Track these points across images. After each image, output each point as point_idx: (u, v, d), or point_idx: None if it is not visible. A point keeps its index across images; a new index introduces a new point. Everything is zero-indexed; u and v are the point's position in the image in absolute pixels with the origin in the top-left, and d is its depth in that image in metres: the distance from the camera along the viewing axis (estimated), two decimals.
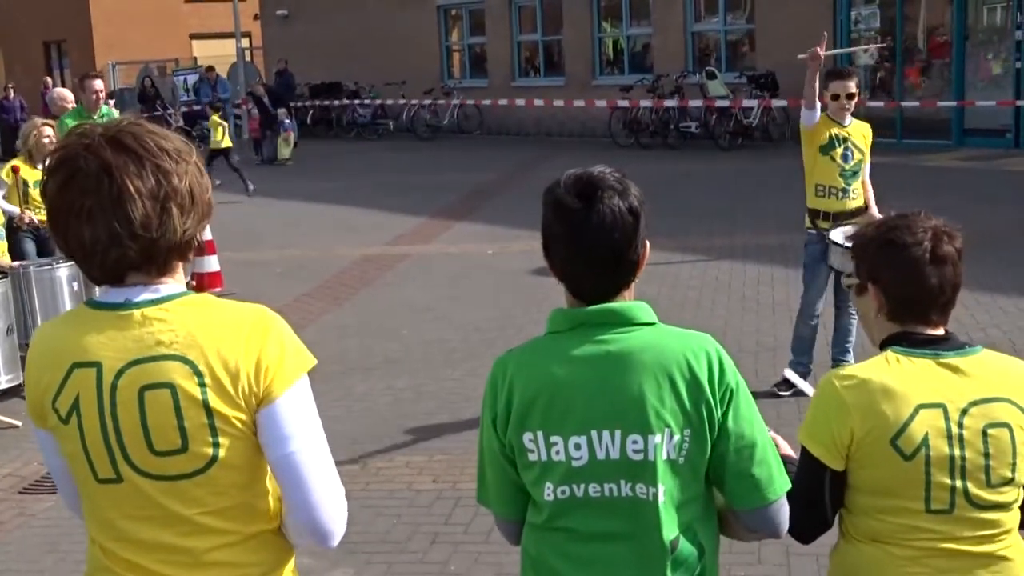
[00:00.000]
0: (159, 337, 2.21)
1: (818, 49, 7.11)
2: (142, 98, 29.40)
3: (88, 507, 2.34)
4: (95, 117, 10.12)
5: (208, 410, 2.19)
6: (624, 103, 22.85)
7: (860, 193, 7.34)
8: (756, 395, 7.74)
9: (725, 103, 21.60)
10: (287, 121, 24.54)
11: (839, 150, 7.26)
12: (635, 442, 2.40)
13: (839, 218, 7.22)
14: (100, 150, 2.18)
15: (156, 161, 2.20)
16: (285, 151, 23.83)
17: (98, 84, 10.22)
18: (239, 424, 2.21)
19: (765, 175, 14.40)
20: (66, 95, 10.69)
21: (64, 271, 8.40)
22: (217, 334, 2.21)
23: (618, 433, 2.40)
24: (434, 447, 6.80)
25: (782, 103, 21.08)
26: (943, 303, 2.68)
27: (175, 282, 2.29)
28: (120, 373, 2.20)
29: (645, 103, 22.66)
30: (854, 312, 7.23)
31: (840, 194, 7.29)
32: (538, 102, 24.35)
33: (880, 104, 20.04)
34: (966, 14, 20.31)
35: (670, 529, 2.43)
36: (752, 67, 22.84)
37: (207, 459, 2.21)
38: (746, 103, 21.44)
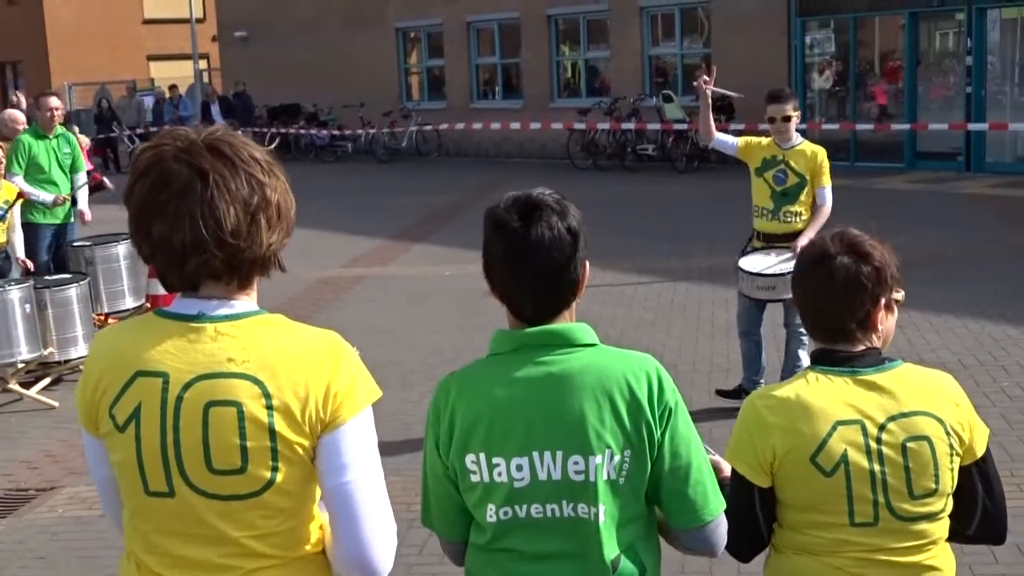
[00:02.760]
0: (230, 354, 2.17)
1: (703, 81, 7.57)
2: (98, 119, 29.18)
3: (130, 519, 2.29)
4: (50, 137, 10.06)
5: (273, 434, 2.15)
6: (581, 125, 22.95)
7: (802, 216, 7.32)
8: (710, 415, 7.78)
9: (683, 126, 21.74)
10: None
11: (771, 172, 7.35)
12: (576, 463, 2.42)
13: (771, 239, 7.38)
14: (196, 155, 2.16)
15: (250, 171, 2.19)
16: None
17: (53, 102, 10.15)
18: (300, 450, 2.18)
19: (721, 197, 14.52)
20: (18, 116, 10.63)
21: (16, 293, 8.30)
22: (289, 357, 2.18)
23: (559, 454, 2.42)
24: (388, 468, 6.71)
25: (739, 127, 21.25)
26: (822, 322, 2.73)
27: (249, 299, 2.27)
28: (187, 386, 2.16)
29: (603, 126, 22.77)
30: (804, 337, 7.32)
31: (769, 215, 7.39)
32: (495, 125, 24.40)
33: (835, 127, 20.28)
34: (918, 39, 20.62)
35: (611, 548, 2.45)
36: None
37: (264, 482, 2.18)
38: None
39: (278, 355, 2.18)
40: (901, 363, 2.74)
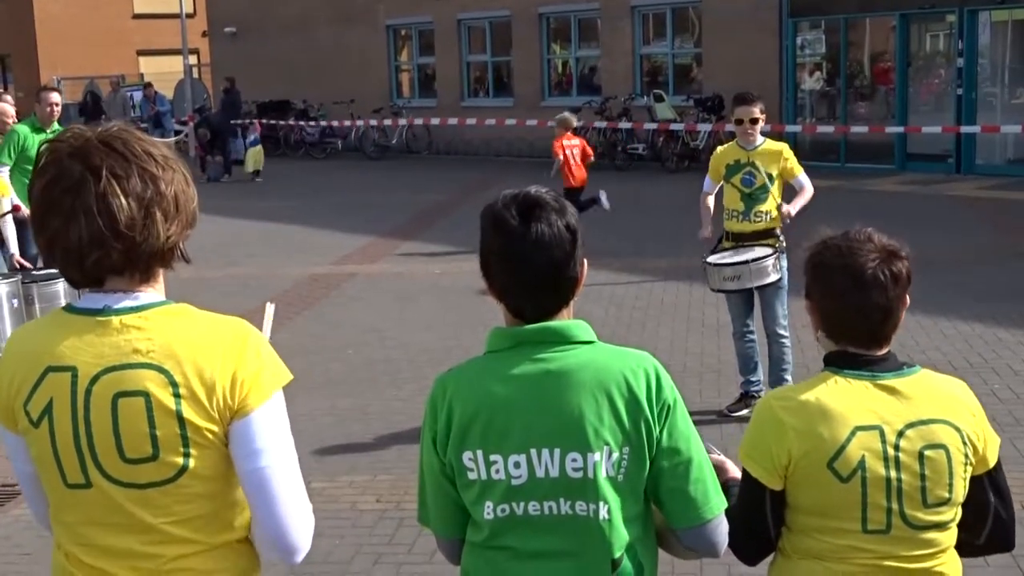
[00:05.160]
0: (136, 345, 2.21)
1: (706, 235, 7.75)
2: (82, 111, 29.08)
3: (55, 512, 2.33)
4: (47, 131, 10.04)
5: (181, 420, 2.20)
6: (580, 122, 22.88)
7: (771, 214, 7.35)
8: (701, 415, 7.75)
9: (679, 126, 21.74)
10: (249, 138, 24.58)
11: (738, 176, 7.40)
12: (574, 460, 2.40)
13: (741, 238, 7.42)
14: (88, 151, 2.20)
15: (143, 165, 2.22)
16: (252, 164, 23.86)
17: (54, 97, 10.18)
18: (211, 436, 2.22)
19: None
20: (8, 110, 10.58)
21: (3, 287, 8.25)
22: (195, 345, 2.22)
23: (557, 451, 2.41)
24: (378, 467, 6.76)
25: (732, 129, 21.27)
26: (869, 327, 2.66)
27: (155, 291, 2.30)
28: (95, 379, 2.21)
29: (600, 124, 22.74)
30: (785, 339, 7.32)
31: (740, 216, 7.43)
32: (490, 122, 24.39)
33: (830, 130, 20.30)
34: (909, 41, 20.64)
35: (612, 547, 2.43)
36: (699, 90, 23.08)
37: (177, 468, 2.22)
38: (698, 127, 21.62)
39: (183, 344, 2.22)
40: (919, 369, 2.70)
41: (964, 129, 18.77)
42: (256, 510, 2.28)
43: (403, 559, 5.53)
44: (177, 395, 2.19)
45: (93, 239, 2.17)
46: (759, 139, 7.42)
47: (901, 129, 19.60)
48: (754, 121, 7.33)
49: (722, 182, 7.51)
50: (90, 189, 2.17)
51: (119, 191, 2.18)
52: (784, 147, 7.50)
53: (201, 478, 2.24)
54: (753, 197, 7.35)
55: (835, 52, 21.65)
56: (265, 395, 2.24)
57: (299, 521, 2.30)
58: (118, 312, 2.24)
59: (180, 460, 2.21)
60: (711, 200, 7.75)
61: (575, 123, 14.34)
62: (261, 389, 2.24)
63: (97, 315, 2.24)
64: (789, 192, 7.51)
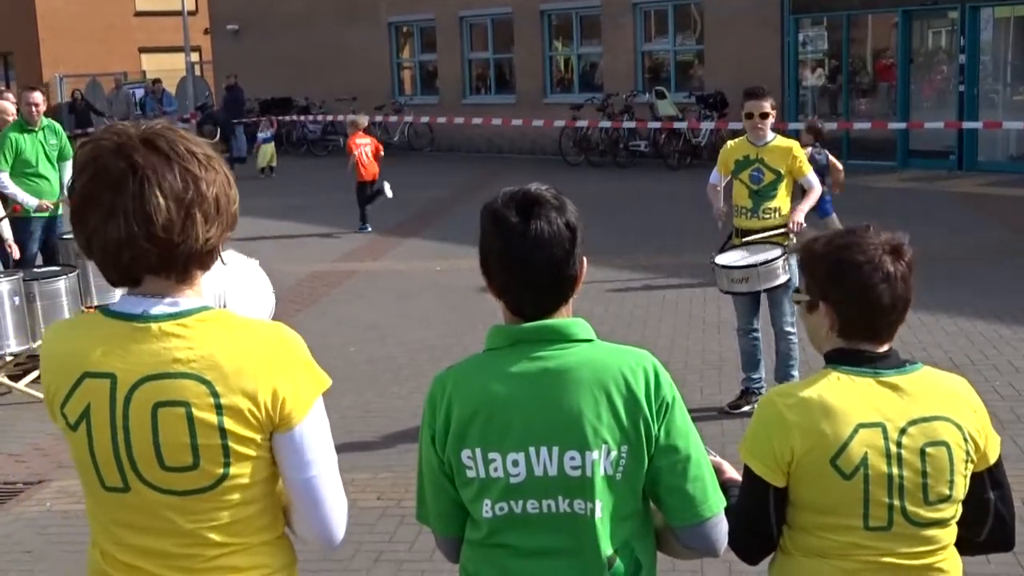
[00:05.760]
0: (176, 354, 2.18)
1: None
2: (72, 110, 29.13)
3: (91, 510, 2.32)
4: (36, 129, 10.05)
5: (223, 431, 2.18)
6: (583, 122, 22.93)
7: (780, 211, 7.37)
8: (702, 412, 7.72)
9: (682, 124, 21.73)
10: (265, 134, 24.69)
11: (747, 172, 7.40)
12: (573, 458, 2.40)
13: (747, 235, 7.41)
14: (130, 149, 2.16)
15: (185, 165, 2.18)
16: (270, 160, 23.95)
17: (35, 97, 10.15)
18: (253, 446, 2.21)
19: None
20: (8, 108, 10.58)
21: (5, 285, 8.25)
22: (236, 355, 2.19)
23: (556, 449, 2.40)
24: (379, 464, 6.76)
25: (737, 125, 21.26)
26: (893, 320, 2.67)
27: (194, 294, 2.26)
28: (135, 387, 2.18)
29: (605, 124, 22.75)
30: (793, 336, 7.31)
31: (748, 213, 7.43)
32: (496, 121, 24.37)
33: (833, 126, 20.28)
34: (911, 37, 20.62)
35: (607, 545, 2.43)
36: (701, 87, 23.06)
37: (217, 477, 2.21)
38: (701, 124, 21.61)
39: (224, 353, 2.19)
40: (921, 366, 2.69)
41: (966, 125, 18.74)
42: (302, 512, 2.32)
43: (404, 557, 5.53)
44: (219, 406, 2.16)
45: (130, 238, 2.13)
46: (769, 135, 7.40)
47: (903, 125, 19.57)
48: (764, 115, 7.31)
49: (731, 177, 7.51)
50: (129, 188, 2.13)
51: (159, 191, 2.13)
52: (794, 144, 7.49)
53: (241, 486, 2.22)
54: (761, 194, 7.34)
55: (837, 49, 21.63)
56: (307, 406, 2.24)
57: (341, 517, 2.35)
58: (156, 319, 2.20)
59: (220, 469, 2.20)
60: (719, 189, 7.76)
61: (365, 123, 16.67)
62: (303, 400, 2.23)
63: (135, 321, 2.20)
64: (796, 191, 7.52)
